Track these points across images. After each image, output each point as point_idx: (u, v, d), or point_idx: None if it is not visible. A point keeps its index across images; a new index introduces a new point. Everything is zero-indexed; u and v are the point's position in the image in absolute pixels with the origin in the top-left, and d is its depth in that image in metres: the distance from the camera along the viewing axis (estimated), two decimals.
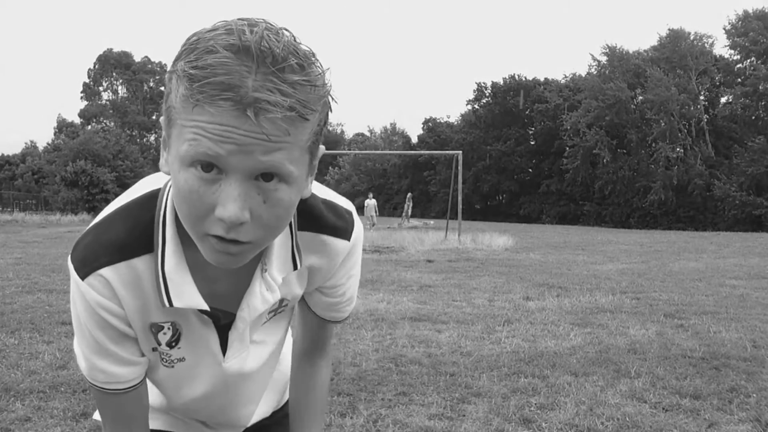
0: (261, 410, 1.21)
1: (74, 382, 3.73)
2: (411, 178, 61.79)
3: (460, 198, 19.01)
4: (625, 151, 49.07)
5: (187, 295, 0.86)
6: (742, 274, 10.23)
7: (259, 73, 0.67)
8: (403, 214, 31.20)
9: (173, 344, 0.93)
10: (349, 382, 3.85)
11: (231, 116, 0.66)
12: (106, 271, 0.84)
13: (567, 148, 50.53)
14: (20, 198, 38.00)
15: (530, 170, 60.50)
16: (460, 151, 21.04)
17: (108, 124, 56.86)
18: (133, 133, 57.81)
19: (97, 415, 1.06)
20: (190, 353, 0.96)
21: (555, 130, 52.74)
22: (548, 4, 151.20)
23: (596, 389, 3.74)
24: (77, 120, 56.76)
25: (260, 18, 0.71)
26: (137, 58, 59.49)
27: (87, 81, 59.08)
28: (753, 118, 43.10)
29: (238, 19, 0.70)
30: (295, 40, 0.70)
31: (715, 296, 7.61)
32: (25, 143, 66.85)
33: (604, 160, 48.11)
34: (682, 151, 45.51)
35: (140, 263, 0.85)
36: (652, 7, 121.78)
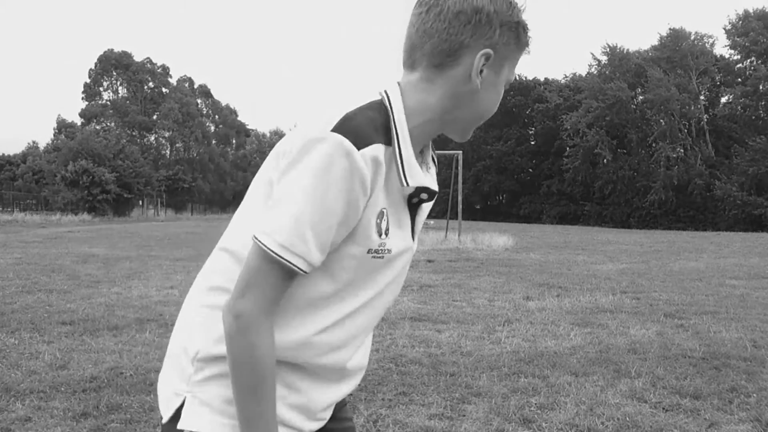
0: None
1: (74, 382, 3.74)
2: None
3: (460, 198, 19.00)
4: (625, 151, 49.08)
5: (418, 176, 1.04)
6: (742, 274, 10.23)
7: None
8: None
9: (386, 233, 1.04)
10: None
11: None
12: (375, 148, 0.96)
13: (567, 148, 50.55)
14: (20, 198, 38.02)
15: (530, 170, 60.48)
16: (460, 151, 21.00)
17: (108, 124, 56.86)
18: (134, 133, 57.80)
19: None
20: (395, 238, 1.06)
21: (555, 130, 52.72)
22: (548, 4, 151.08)
23: (596, 389, 3.74)
24: (78, 120, 56.81)
25: None
26: (138, 59, 59.56)
27: (87, 81, 59.10)
28: (753, 117, 43.13)
29: None
30: None
31: (715, 296, 7.61)
32: (27, 143, 66.97)
33: (605, 160, 48.13)
34: (682, 151, 45.52)
35: (388, 151, 1.00)
36: (653, 7, 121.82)
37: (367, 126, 0.97)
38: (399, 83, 1.07)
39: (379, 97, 1.04)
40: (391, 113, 1.02)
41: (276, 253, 0.93)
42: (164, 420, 1.05)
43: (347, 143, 0.93)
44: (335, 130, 0.94)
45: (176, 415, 1.03)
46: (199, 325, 1.05)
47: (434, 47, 1.01)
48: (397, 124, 1.01)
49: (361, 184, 0.95)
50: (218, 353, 1.01)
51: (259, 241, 0.94)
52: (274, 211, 0.95)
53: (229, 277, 1.02)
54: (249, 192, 1.08)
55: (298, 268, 0.95)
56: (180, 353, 1.06)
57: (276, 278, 0.96)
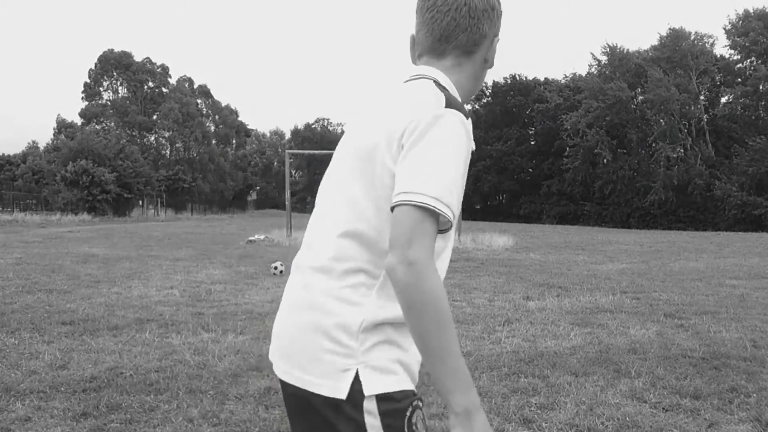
0: None
1: (74, 382, 3.74)
2: None
3: None
4: (625, 151, 49.05)
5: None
6: (742, 274, 10.23)
7: None
8: None
9: None
10: None
11: None
12: (470, 121, 1.18)
13: (567, 148, 50.50)
14: (20, 198, 37.99)
15: (530, 170, 60.45)
16: None
17: (108, 124, 56.78)
18: (134, 133, 57.74)
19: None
20: None
21: (555, 130, 52.69)
22: (548, 4, 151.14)
23: (596, 389, 3.74)
24: (78, 120, 56.74)
25: None
26: (138, 59, 59.49)
27: (87, 81, 59.04)
28: (753, 117, 43.11)
29: None
30: None
31: (715, 296, 7.61)
32: (27, 143, 66.94)
33: (605, 160, 48.11)
34: (682, 151, 45.50)
35: None
36: (653, 7, 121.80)
37: (460, 104, 1.18)
38: (434, 69, 1.27)
39: (430, 81, 1.23)
40: (451, 91, 1.25)
41: (432, 206, 1.05)
42: (339, 395, 1.12)
43: (461, 116, 1.14)
44: (448, 107, 1.13)
45: (354, 388, 1.12)
46: (349, 305, 1.15)
47: (468, 39, 1.26)
48: (458, 97, 1.26)
49: (468, 148, 1.15)
50: (382, 319, 1.15)
51: (413, 200, 1.06)
52: (420, 174, 1.08)
53: (363, 258, 1.16)
54: (343, 183, 1.22)
55: (448, 217, 1.08)
56: (330, 337, 1.15)
57: (432, 228, 1.07)
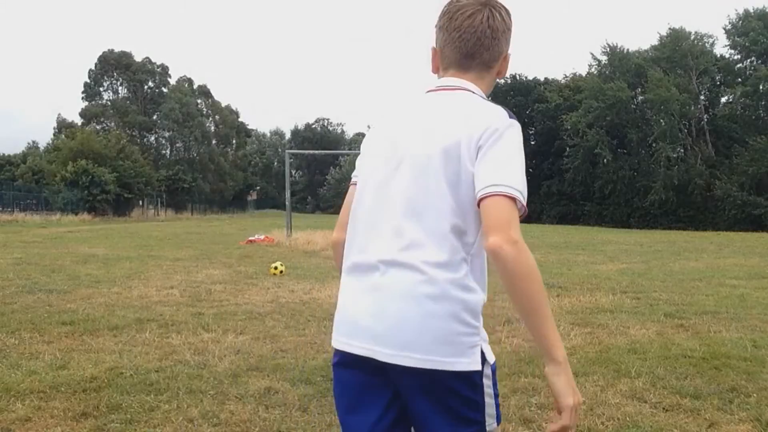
0: None
1: (74, 382, 3.73)
2: None
3: None
4: (625, 151, 49.02)
5: None
6: (743, 273, 10.22)
7: None
8: None
9: None
10: None
11: None
12: None
13: (567, 148, 50.47)
14: (20, 198, 37.94)
15: (530, 170, 60.37)
16: None
17: (109, 124, 56.72)
18: (134, 134, 57.68)
19: None
20: None
21: (555, 130, 52.65)
22: (548, 4, 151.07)
23: (596, 389, 3.74)
24: (78, 120, 56.67)
25: None
26: (138, 59, 59.42)
27: (87, 81, 58.99)
28: (753, 117, 43.05)
29: None
30: None
31: (715, 296, 7.61)
32: (27, 143, 66.90)
33: (605, 160, 48.06)
34: (682, 150, 45.47)
35: None
36: (653, 7, 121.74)
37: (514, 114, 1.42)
38: (465, 82, 1.48)
39: (469, 93, 1.46)
40: (485, 96, 1.50)
41: (518, 197, 1.30)
42: (475, 368, 1.35)
43: (519, 125, 1.40)
44: (512, 117, 1.38)
45: (482, 361, 1.38)
46: (471, 292, 1.36)
47: (490, 56, 1.47)
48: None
49: None
50: (485, 298, 1.41)
51: (506, 191, 1.29)
52: (506, 170, 1.31)
53: (463, 249, 1.36)
54: (428, 185, 1.37)
55: (524, 207, 1.32)
56: (461, 320, 1.34)
57: (517, 214, 1.30)
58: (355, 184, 1.53)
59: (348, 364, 1.43)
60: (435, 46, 1.53)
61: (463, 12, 1.44)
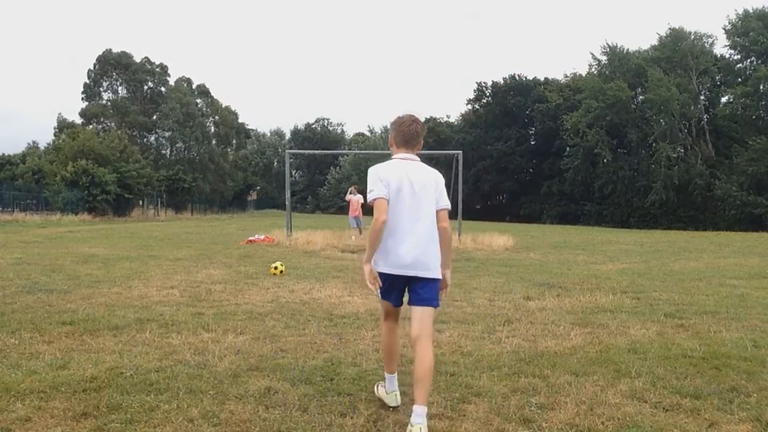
0: None
1: (74, 382, 3.73)
2: None
3: (460, 198, 19.00)
4: (625, 150, 49.06)
5: None
6: (743, 273, 10.23)
7: None
8: None
9: None
10: (349, 381, 3.86)
11: None
12: None
13: (567, 148, 50.51)
14: (20, 198, 37.92)
15: (530, 170, 60.43)
16: (460, 151, 21.04)
17: (109, 124, 56.65)
18: (134, 134, 57.62)
19: None
20: None
21: (555, 130, 52.69)
22: (548, 4, 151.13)
23: (596, 389, 3.74)
24: (78, 120, 56.57)
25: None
26: (137, 59, 59.34)
27: (87, 81, 58.88)
28: (753, 117, 43.05)
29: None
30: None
31: (715, 296, 7.61)
32: (27, 143, 66.83)
33: (605, 160, 48.09)
34: (682, 150, 45.49)
35: None
36: (653, 7, 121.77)
37: None
38: (413, 155, 3.37)
39: (419, 161, 3.38)
40: None
41: (449, 209, 3.33)
42: (435, 276, 3.25)
43: None
44: (438, 172, 3.47)
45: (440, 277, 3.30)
46: (437, 242, 3.27)
47: (417, 142, 3.38)
48: None
49: None
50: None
51: (447, 207, 3.31)
52: (445, 197, 3.34)
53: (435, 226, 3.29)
54: (425, 198, 3.25)
55: (449, 207, 3.39)
56: (437, 253, 3.25)
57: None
58: (384, 198, 3.16)
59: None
60: (391, 137, 3.41)
61: (405, 123, 3.34)
